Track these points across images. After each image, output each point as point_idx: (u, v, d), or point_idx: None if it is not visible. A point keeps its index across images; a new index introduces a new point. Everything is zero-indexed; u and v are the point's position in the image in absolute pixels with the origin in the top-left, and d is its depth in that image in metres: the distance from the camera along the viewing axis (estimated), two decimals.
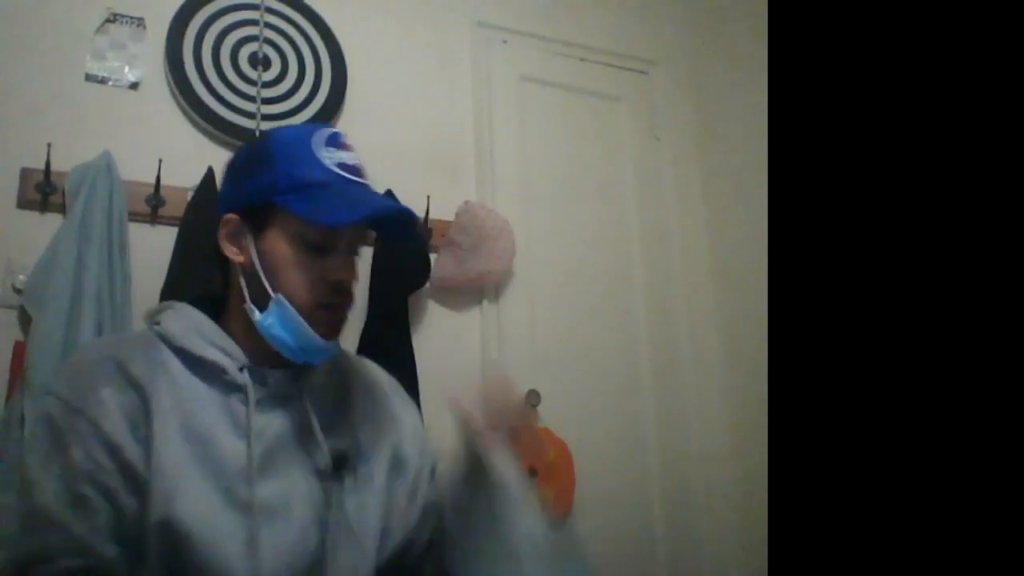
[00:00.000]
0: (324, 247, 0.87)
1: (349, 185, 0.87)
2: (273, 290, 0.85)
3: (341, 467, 0.88)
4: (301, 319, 0.85)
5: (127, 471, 0.79)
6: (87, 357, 0.88)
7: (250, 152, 0.91)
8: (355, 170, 0.89)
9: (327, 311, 0.87)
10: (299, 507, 0.85)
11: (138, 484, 0.80)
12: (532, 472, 1.83)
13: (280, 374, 0.89)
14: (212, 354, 0.86)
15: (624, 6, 2.41)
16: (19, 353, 1.45)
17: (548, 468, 1.88)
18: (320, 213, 0.84)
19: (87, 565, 0.77)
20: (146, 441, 0.81)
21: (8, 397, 1.41)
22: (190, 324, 0.89)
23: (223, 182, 0.93)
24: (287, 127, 0.94)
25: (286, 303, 0.85)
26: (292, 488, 0.85)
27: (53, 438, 0.80)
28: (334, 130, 0.90)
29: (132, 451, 0.80)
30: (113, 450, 0.79)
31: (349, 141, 0.90)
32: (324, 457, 0.88)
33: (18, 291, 1.48)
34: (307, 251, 0.86)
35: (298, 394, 0.90)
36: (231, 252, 0.89)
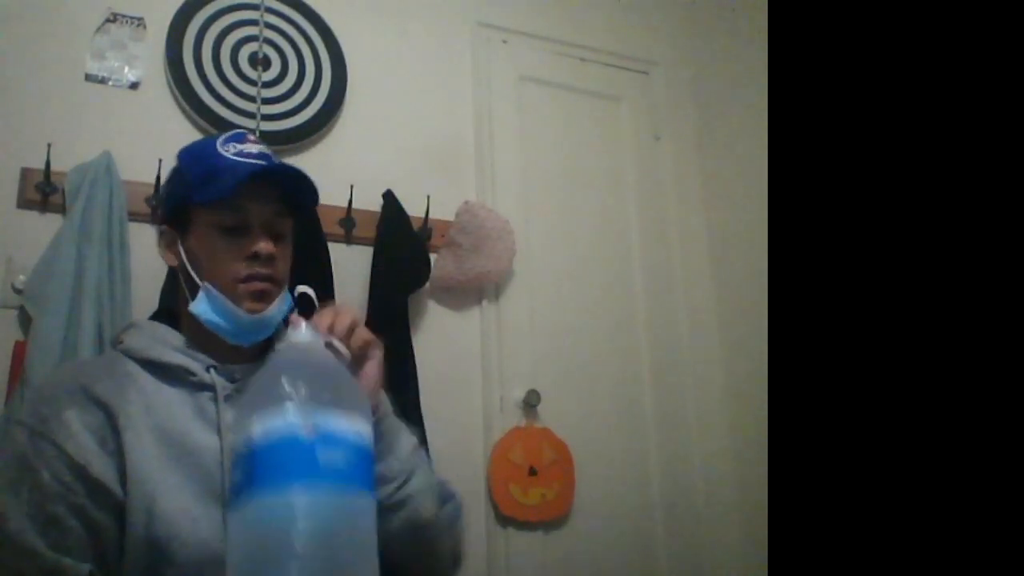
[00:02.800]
0: (237, 228, 0.92)
1: (247, 165, 0.92)
2: (200, 280, 0.91)
3: None
4: (225, 298, 0.90)
5: (95, 488, 0.82)
6: (50, 384, 0.92)
7: (170, 172, 1.01)
8: (258, 156, 0.94)
9: (246, 283, 0.91)
10: None
11: (109, 499, 0.82)
12: (532, 472, 1.84)
13: (245, 368, 0.93)
14: (177, 359, 0.90)
15: (624, 6, 2.41)
16: (19, 353, 1.45)
17: (548, 468, 1.88)
18: (215, 192, 0.90)
19: None
20: (117, 454, 0.83)
21: (8, 397, 1.41)
22: (152, 336, 0.94)
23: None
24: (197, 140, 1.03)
25: (211, 287, 0.90)
26: None
27: (19, 465, 0.83)
28: (240, 130, 0.99)
29: (99, 467, 0.82)
30: (79, 469, 0.82)
31: (254, 138, 0.98)
32: None
33: (18, 291, 1.48)
34: (222, 235, 0.91)
35: None
36: (169, 260, 0.97)
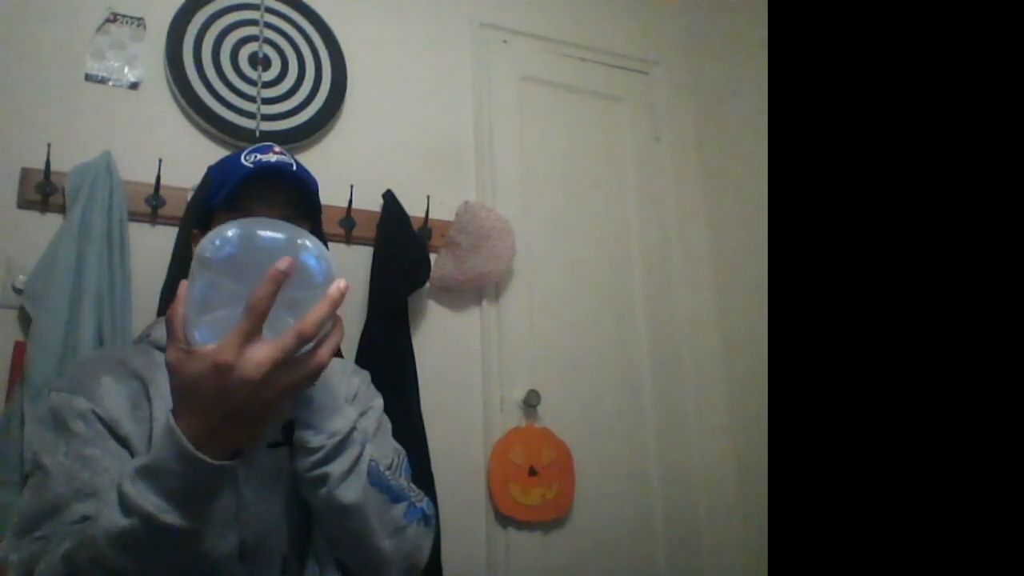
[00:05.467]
0: None
1: (258, 172, 0.96)
2: None
3: (289, 433, 0.91)
4: None
5: (124, 444, 0.87)
6: (88, 358, 1.00)
7: (201, 180, 1.08)
8: (275, 164, 0.98)
9: None
10: (253, 475, 0.92)
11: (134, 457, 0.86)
12: (532, 472, 1.84)
13: None
14: None
15: (624, 6, 2.41)
16: (19, 353, 1.45)
17: (548, 468, 1.88)
18: (224, 194, 0.95)
19: (102, 509, 0.78)
20: (149, 421, 0.89)
21: (8, 397, 1.41)
22: None
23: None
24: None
25: None
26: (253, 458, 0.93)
27: (56, 423, 0.88)
28: (267, 143, 1.03)
29: (128, 428, 0.88)
30: (110, 423, 0.87)
31: (279, 149, 1.02)
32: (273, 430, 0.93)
33: (18, 291, 1.48)
34: None
35: None
36: None
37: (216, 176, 1.02)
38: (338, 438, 0.88)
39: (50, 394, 0.91)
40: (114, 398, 0.89)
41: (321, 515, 0.90)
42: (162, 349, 0.96)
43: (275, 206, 0.96)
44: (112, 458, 0.85)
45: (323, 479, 0.87)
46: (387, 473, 0.95)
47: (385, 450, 1.03)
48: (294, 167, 0.99)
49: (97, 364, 0.94)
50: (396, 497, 0.94)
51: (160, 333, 0.99)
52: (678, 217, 2.30)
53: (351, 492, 0.88)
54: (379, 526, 0.91)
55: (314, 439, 0.87)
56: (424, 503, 0.98)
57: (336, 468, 0.87)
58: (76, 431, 0.86)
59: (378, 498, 0.91)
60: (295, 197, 0.99)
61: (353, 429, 0.90)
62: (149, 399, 0.90)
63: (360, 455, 0.90)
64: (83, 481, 0.82)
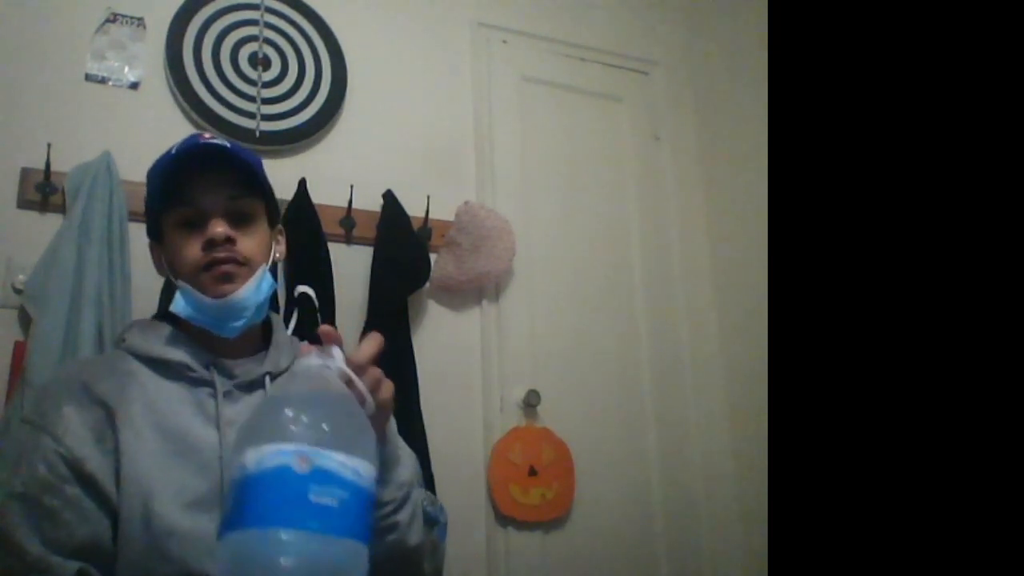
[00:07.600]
0: (194, 221, 0.93)
1: (187, 157, 0.92)
2: (176, 280, 0.94)
3: None
4: (193, 289, 0.91)
5: (89, 484, 0.83)
6: (54, 380, 0.95)
7: None
8: (204, 146, 0.93)
9: (208, 269, 0.91)
10: None
11: (102, 495, 0.83)
12: (532, 472, 1.84)
13: (245, 363, 0.94)
14: (177, 355, 0.92)
15: (624, 6, 2.41)
16: (19, 353, 1.45)
17: (548, 468, 1.88)
18: (161, 192, 0.93)
19: None
20: (114, 453, 0.84)
21: (8, 397, 1.41)
22: (154, 334, 0.95)
23: None
24: None
25: (184, 284, 0.92)
26: None
27: (19, 459, 0.85)
28: (195, 133, 0.98)
29: (95, 463, 0.84)
30: (75, 463, 0.83)
31: (209, 135, 0.96)
32: None
33: (18, 291, 1.49)
34: (183, 231, 0.93)
35: (263, 381, 0.94)
36: (161, 272, 0.99)
37: (153, 183, 0.96)
38: (407, 489, 0.89)
39: (20, 424, 0.88)
40: (78, 431, 0.85)
41: (385, 556, 0.87)
42: (138, 357, 0.92)
43: (217, 186, 0.92)
44: (71, 510, 0.82)
45: (394, 527, 0.87)
46: (424, 501, 0.96)
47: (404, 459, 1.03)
48: (228, 146, 0.94)
49: (60, 390, 0.89)
50: (432, 522, 0.96)
51: (137, 339, 0.95)
52: (678, 217, 2.30)
53: (416, 534, 0.90)
54: (426, 554, 0.94)
55: (385, 492, 0.86)
56: (441, 513, 1.00)
57: (404, 515, 0.88)
58: (38, 474, 0.83)
59: (425, 529, 0.94)
60: (233, 176, 0.94)
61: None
62: (115, 429, 0.85)
63: (418, 499, 0.92)
64: (33, 558, 0.79)
